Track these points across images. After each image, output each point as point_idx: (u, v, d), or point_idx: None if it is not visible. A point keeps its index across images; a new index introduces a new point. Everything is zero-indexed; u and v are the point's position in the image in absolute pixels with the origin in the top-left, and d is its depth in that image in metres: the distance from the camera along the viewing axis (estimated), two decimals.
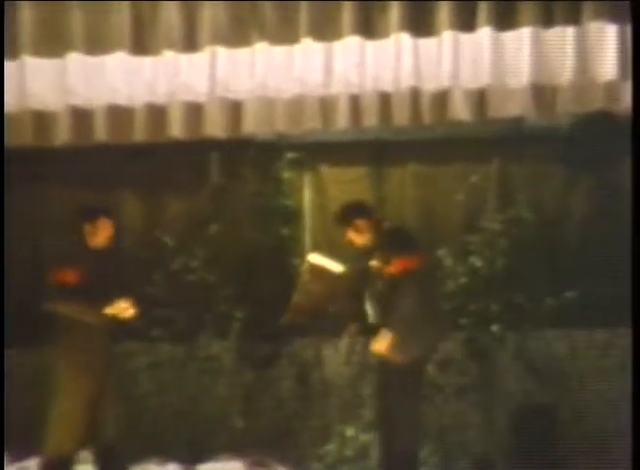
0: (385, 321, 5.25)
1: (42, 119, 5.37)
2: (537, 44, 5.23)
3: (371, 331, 5.36)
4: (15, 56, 5.33)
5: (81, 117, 5.37)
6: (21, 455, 6.17)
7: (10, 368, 6.11)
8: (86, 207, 5.61)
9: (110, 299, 5.35)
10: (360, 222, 5.44)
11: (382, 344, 5.18)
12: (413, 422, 5.31)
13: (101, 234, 5.48)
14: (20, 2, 5.31)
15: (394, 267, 5.24)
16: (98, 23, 5.35)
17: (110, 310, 5.34)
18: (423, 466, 6.15)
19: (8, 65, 5.33)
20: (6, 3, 5.33)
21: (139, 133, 5.41)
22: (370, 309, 5.46)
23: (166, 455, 6.25)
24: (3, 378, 5.30)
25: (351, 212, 5.53)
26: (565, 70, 5.22)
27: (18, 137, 5.37)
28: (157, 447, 6.28)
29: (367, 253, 5.43)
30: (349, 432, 6.37)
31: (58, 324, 5.35)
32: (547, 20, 5.25)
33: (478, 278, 6.46)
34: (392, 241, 5.38)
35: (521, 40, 5.25)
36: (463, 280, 6.47)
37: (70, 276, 5.29)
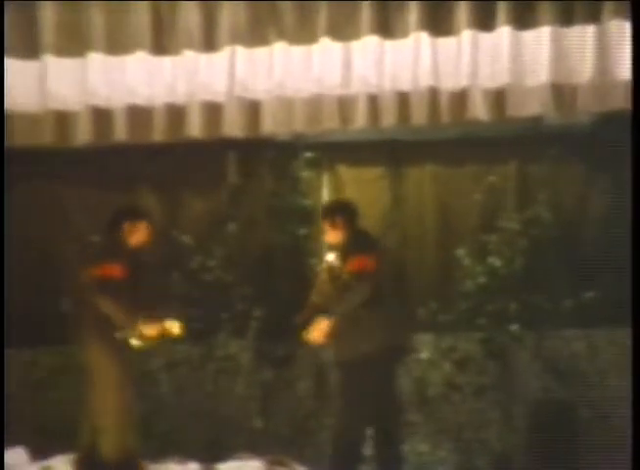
0: (327, 304, 5.40)
1: (63, 120, 5.37)
2: (557, 43, 5.20)
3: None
4: (36, 56, 5.34)
5: (102, 117, 5.37)
6: (45, 454, 6.21)
7: (33, 367, 6.18)
8: (130, 206, 5.76)
9: (145, 301, 5.42)
10: (339, 220, 5.52)
11: (317, 330, 5.30)
12: (358, 415, 5.38)
13: (139, 235, 5.58)
14: (41, 3, 5.33)
15: (351, 265, 5.34)
16: (118, 22, 5.35)
17: (149, 330, 5.40)
18: (442, 464, 6.18)
19: (30, 65, 5.35)
20: (25, 3, 5.37)
21: (158, 133, 5.40)
22: (315, 291, 5.62)
23: (186, 454, 6.25)
24: (3, 378, 5.28)
25: (333, 209, 5.66)
26: (584, 69, 5.19)
27: (39, 137, 5.38)
28: (176, 447, 6.30)
29: (337, 251, 5.53)
30: (368, 431, 6.36)
31: (87, 321, 5.38)
32: (567, 18, 5.23)
33: (496, 278, 6.46)
34: (354, 241, 5.47)
35: (540, 39, 5.23)
36: (481, 280, 6.47)
37: (116, 270, 5.34)
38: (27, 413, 6.36)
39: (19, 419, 6.25)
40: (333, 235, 5.57)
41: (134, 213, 5.65)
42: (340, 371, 5.58)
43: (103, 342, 5.36)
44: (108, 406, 5.36)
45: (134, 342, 5.39)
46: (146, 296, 5.51)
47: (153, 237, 5.68)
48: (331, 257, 5.66)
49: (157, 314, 5.51)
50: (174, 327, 5.53)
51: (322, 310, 5.44)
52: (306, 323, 5.45)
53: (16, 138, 5.39)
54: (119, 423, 5.37)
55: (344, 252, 5.46)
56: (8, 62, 5.32)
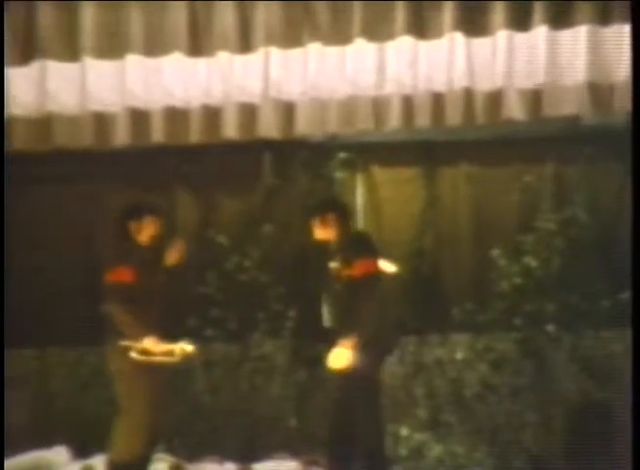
0: (343, 324, 5.28)
1: (102, 121, 5.41)
2: (594, 42, 5.19)
3: (324, 335, 5.43)
4: (76, 58, 5.39)
5: (139, 118, 5.40)
6: (87, 453, 6.27)
7: (79, 366, 6.24)
8: (132, 205, 5.62)
9: (160, 303, 5.38)
10: (330, 217, 5.49)
11: (341, 360, 5.17)
12: (375, 430, 5.31)
13: (146, 232, 5.50)
14: (80, 4, 5.38)
15: (357, 270, 5.27)
16: (155, 24, 5.37)
17: (153, 348, 5.27)
18: (478, 466, 6.16)
19: (70, 67, 5.39)
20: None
21: (195, 134, 5.43)
22: (326, 312, 5.50)
23: (223, 454, 6.28)
24: (3, 378, 5.31)
25: (325, 205, 5.62)
26: (621, 68, 5.16)
27: (79, 139, 5.42)
28: (213, 447, 6.33)
29: (328, 251, 5.50)
30: (403, 432, 6.38)
31: (105, 323, 5.35)
32: (604, 17, 5.20)
33: (532, 278, 6.44)
34: (356, 244, 5.43)
35: (577, 38, 5.21)
36: (517, 280, 6.45)
37: (125, 274, 5.30)
38: (70, 412, 6.43)
39: (62, 418, 6.35)
40: (322, 232, 5.53)
41: (139, 210, 5.53)
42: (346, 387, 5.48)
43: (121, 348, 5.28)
44: (125, 412, 5.31)
45: (134, 355, 5.24)
46: (162, 297, 5.47)
47: (161, 230, 5.58)
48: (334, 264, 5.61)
49: (171, 334, 5.38)
50: (186, 348, 5.36)
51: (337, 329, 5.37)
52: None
53: (57, 140, 5.44)
54: (132, 428, 5.30)
55: (343, 254, 5.40)
56: (50, 64, 5.38)
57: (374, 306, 5.23)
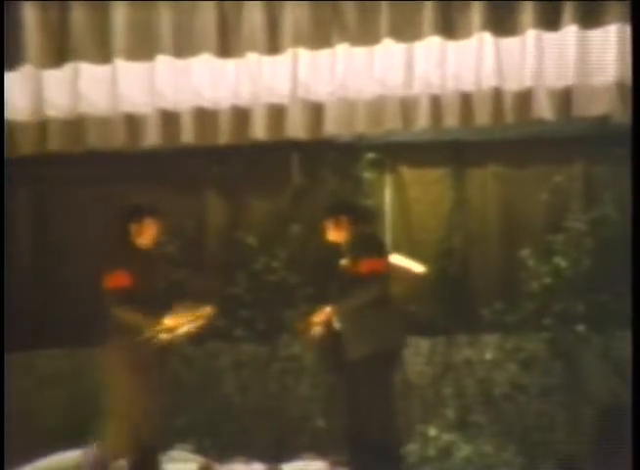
0: (351, 320, 5.42)
1: (133, 122, 5.45)
2: (624, 41, 5.15)
3: (335, 333, 5.51)
4: (108, 60, 5.43)
5: (169, 119, 5.43)
6: None
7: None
8: (132, 206, 5.58)
9: (162, 302, 5.40)
10: (343, 219, 5.54)
11: (319, 315, 5.42)
12: (383, 417, 5.36)
13: (147, 234, 5.48)
14: (111, 6, 5.42)
15: (363, 267, 5.36)
16: (184, 25, 5.40)
17: (175, 321, 5.34)
18: (506, 466, 6.14)
19: (102, 69, 5.43)
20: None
21: (224, 135, 5.46)
22: (333, 308, 5.55)
23: (251, 454, 6.30)
24: (3, 378, 5.35)
25: (339, 207, 5.68)
26: None
27: (111, 140, 5.47)
28: (242, 447, 6.34)
29: (339, 251, 5.57)
30: (432, 432, 6.37)
31: (108, 324, 5.35)
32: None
33: (562, 278, 6.42)
34: (365, 244, 5.50)
35: (607, 38, 5.19)
36: (547, 280, 6.43)
37: (123, 279, 5.29)
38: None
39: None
40: (335, 234, 5.60)
41: (139, 212, 5.48)
42: (346, 371, 5.55)
43: (120, 347, 5.29)
44: (115, 410, 5.35)
45: (164, 337, 5.30)
46: (163, 296, 5.49)
47: (161, 231, 5.58)
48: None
49: (182, 306, 5.40)
50: (205, 310, 5.40)
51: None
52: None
53: (89, 141, 5.49)
54: (121, 427, 5.33)
55: (353, 253, 5.47)
56: (82, 66, 5.42)
57: (365, 295, 5.36)
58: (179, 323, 5.35)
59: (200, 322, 5.41)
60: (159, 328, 5.30)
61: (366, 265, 5.38)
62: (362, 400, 5.38)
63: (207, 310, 5.43)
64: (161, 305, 5.39)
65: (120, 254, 5.43)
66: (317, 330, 5.53)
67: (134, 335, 5.27)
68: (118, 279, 5.29)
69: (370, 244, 5.54)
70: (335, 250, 5.87)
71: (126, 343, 5.26)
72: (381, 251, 5.54)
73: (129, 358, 5.27)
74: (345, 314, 5.49)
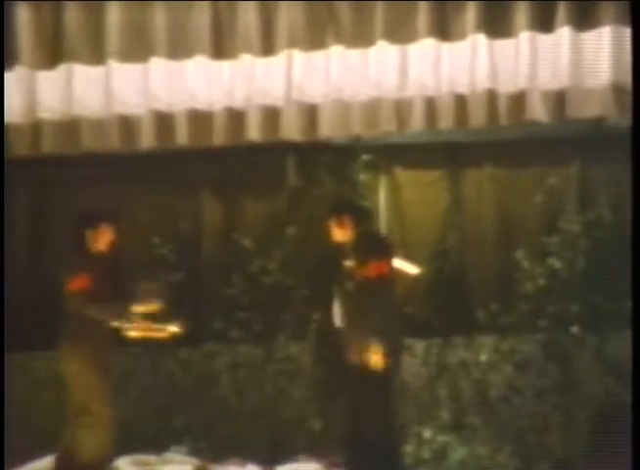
0: (357, 323, 5.30)
1: (127, 124, 5.46)
2: (618, 43, 5.16)
3: (336, 333, 5.47)
4: (102, 61, 5.44)
5: (164, 121, 5.45)
6: None
7: None
8: (87, 213, 5.60)
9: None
10: (346, 218, 5.50)
11: (379, 356, 5.21)
12: (381, 419, 5.33)
13: (102, 240, 5.50)
14: (105, 7, 5.42)
15: (371, 270, 5.30)
16: (179, 27, 5.42)
17: (141, 308, 5.42)
18: (502, 468, 6.13)
19: (95, 70, 5.44)
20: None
21: (218, 137, 5.46)
22: (338, 311, 5.52)
23: (246, 456, 6.29)
24: (3, 379, 5.35)
25: (343, 206, 5.65)
26: None
27: (105, 142, 5.48)
28: (237, 448, 6.34)
29: (342, 251, 5.51)
30: (427, 433, 6.36)
31: (67, 323, 5.39)
32: (628, 18, 5.17)
33: (557, 279, 6.42)
34: (371, 245, 5.46)
35: (601, 40, 5.20)
36: (542, 281, 6.43)
37: (83, 282, 5.31)
38: None
39: None
40: (339, 234, 5.56)
41: (95, 219, 5.50)
42: (346, 372, 5.53)
43: (79, 348, 5.33)
44: (85, 410, 5.34)
45: (131, 329, 5.40)
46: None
47: (119, 237, 5.59)
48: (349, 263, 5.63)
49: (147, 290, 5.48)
50: (171, 329, 5.50)
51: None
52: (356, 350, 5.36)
53: (84, 143, 5.50)
54: (96, 426, 5.34)
55: (358, 254, 5.42)
56: (76, 68, 5.43)
57: (389, 306, 5.29)
58: (147, 309, 5.41)
59: (163, 335, 5.49)
60: (128, 318, 5.37)
61: (374, 269, 5.31)
62: (361, 402, 5.36)
63: (174, 330, 5.50)
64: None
65: (77, 259, 5.44)
66: (378, 361, 5.28)
67: (98, 332, 5.33)
68: (79, 282, 5.32)
69: (375, 244, 5.51)
70: (333, 251, 5.90)
71: (86, 343, 5.31)
72: (386, 251, 5.48)
73: (89, 358, 5.31)
74: (346, 315, 5.45)
